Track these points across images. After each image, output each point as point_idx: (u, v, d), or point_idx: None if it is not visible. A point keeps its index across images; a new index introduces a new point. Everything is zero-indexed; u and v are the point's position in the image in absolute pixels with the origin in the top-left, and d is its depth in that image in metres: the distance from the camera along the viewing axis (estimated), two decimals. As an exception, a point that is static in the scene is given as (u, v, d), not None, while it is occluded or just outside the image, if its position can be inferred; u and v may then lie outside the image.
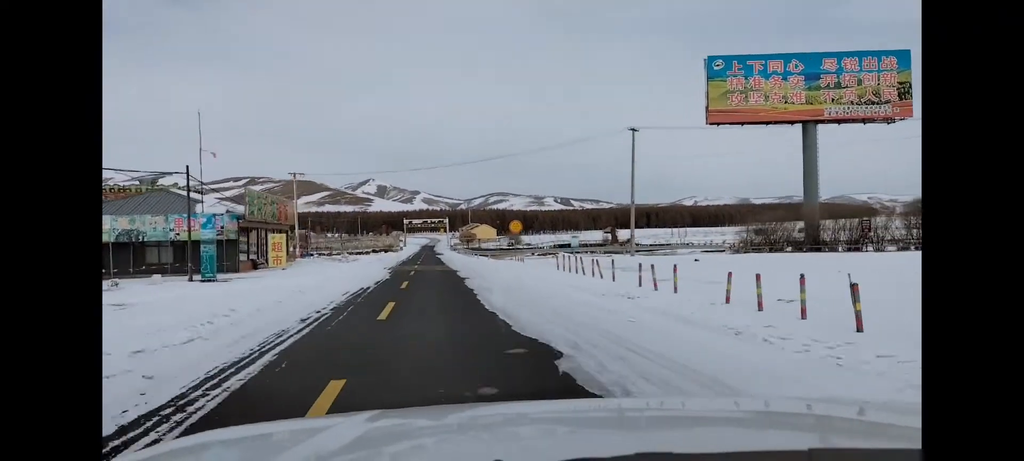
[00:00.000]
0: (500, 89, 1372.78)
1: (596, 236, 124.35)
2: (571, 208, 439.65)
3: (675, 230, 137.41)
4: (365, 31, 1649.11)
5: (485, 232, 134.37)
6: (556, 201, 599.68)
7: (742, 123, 45.50)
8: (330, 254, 63.76)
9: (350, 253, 64.56)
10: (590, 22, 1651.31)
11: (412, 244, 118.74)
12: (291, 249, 51.91)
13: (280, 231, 35.83)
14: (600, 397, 5.29)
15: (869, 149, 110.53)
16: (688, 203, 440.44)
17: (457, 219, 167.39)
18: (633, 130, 43.94)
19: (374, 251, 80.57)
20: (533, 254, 43.56)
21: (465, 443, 1.44)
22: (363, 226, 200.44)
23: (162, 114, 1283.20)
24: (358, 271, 29.80)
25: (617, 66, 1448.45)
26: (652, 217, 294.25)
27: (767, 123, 45.57)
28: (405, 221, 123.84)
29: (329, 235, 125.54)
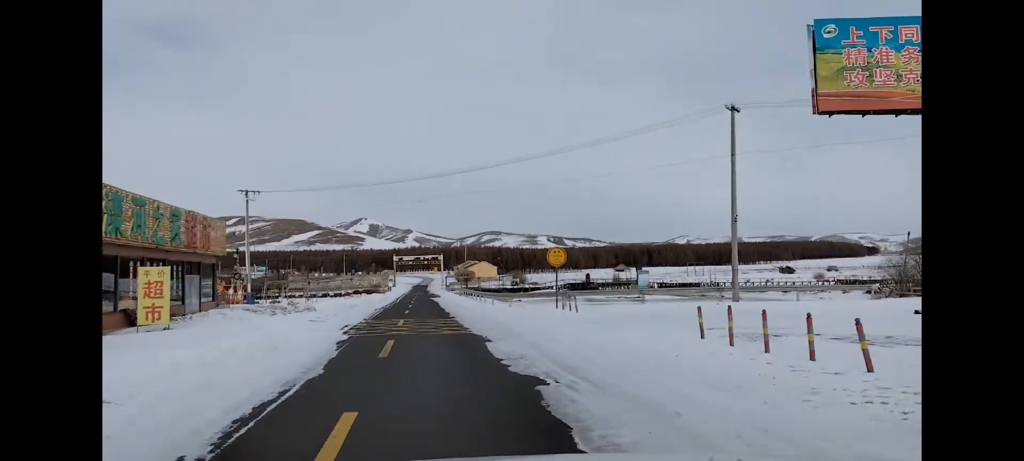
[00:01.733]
0: (494, 129, 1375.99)
1: (604, 275, 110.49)
2: (566, 246, 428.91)
3: (690, 268, 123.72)
4: (355, 68, 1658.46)
5: (484, 270, 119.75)
6: (549, 240, 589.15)
7: (864, 112, 31.93)
8: (290, 298, 49.43)
9: (314, 296, 50.34)
10: (586, 63, 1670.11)
11: (402, 284, 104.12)
12: (229, 291, 37.45)
13: (168, 263, 21.30)
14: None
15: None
16: (681, 242, 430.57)
17: (451, 257, 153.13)
18: (733, 109, 30.25)
19: (356, 292, 66.36)
20: (571, 298, 30.81)
21: None
22: (351, 265, 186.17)
23: (145, 152, 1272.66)
24: (292, 339, 15.53)
25: (610, 106, 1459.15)
26: (653, 255, 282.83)
27: (898, 112, 32.10)
28: (396, 257, 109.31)
29: (314, 275, 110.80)
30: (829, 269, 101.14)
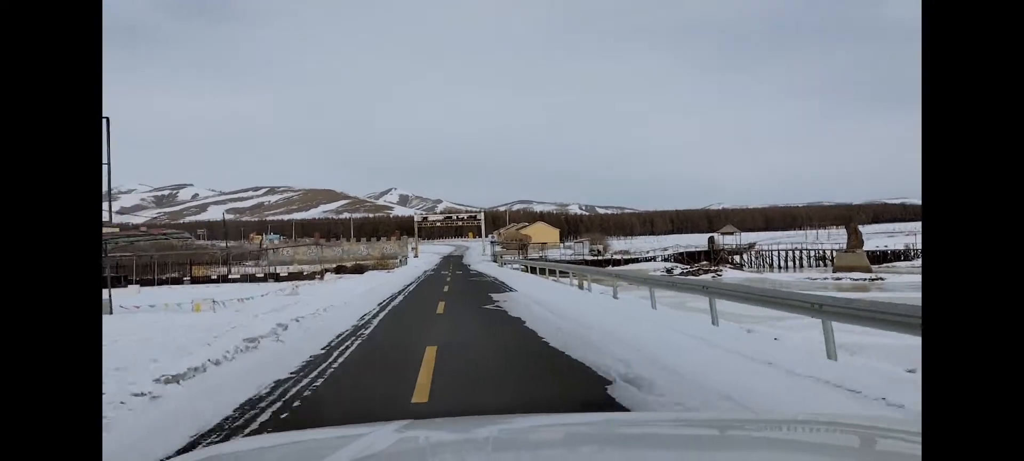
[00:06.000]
0: (526, 98, 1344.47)
1: (686, 241, 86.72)
2: (598, 214, 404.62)
3: (800, 233, 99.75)
4: (388, 41, 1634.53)
5: (542, 232, 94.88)
6: (581, 208, 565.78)
7: None
8: (263, 279, 27.45)
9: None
10: (617, 28, 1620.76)
11: (429, 254, 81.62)
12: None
13: None
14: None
15: None
16: (715, 208, 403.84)
17: (488, 221, 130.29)
18: None
19: (351, 269, 44.03)
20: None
21: (497, 458, 1.37)
22: (376, 233, 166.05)
23: (182, 123, 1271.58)
24: None
25: (639, 74, 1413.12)
26: (694, 221, 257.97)
27: None
28: (419, 221, 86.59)
29: (322, 242, 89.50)
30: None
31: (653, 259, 62.76)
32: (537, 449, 1.48)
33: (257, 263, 59.62)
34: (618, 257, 61.80)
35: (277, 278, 36.38)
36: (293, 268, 47.84)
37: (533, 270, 34.65)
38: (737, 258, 62.00)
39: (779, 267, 60.48)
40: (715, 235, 71.06)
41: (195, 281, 34.64)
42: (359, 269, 42.75)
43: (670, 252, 66.28)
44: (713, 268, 52.53)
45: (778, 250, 65.22)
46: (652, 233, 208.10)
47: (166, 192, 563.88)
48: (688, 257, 62.51)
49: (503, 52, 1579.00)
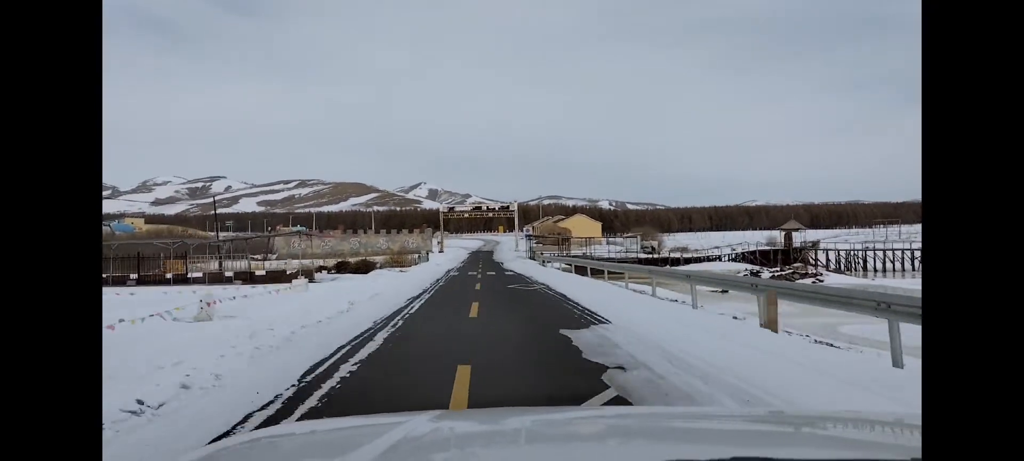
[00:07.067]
0: (552, 93, 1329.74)
1: (727, 239, 77.34)
2: (629, 210, 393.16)
3: (859, 231, 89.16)
4: (418, 36, 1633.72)
5: (582, 226, 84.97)
6: (610, 204, 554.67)
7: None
8: (229, 281, 19.48)
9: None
10: (644, 25, 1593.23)
11: (455, 249, 73.45)
12: None
13: None
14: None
15: None
16: (749, 204, 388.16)
17: (520, 214, 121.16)
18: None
19: (354, 268, 36.08)
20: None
21: (530, 451, 1.36)
22: (402, 226, 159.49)
23: (217, 117, 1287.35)
24: None
25: (667, 70, 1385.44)
26: (733, 219, 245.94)
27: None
28: (444, 213, 77.98)
29: (328, 235, 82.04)
30: None
31: (718, 258, 53.42)
32: (569, 442, 1.45)
33: (265, 257, 52.51)
34: (676, 256, 52.61)
35: (251, 278, 28.55)
36: (277, 265, 40.01)
37: (583, 271, 26.71)
38: (821, 257, 52.26)
39: (881, 271, 50.43)
40: (790, 231, 60.90)
41: (142, 282, 27.10)
42: (364, 267, 34.54)
43: (737, 250, 56.50)
44: (813, 272, 42.73)
45: (864, 250, 55.27)
46: (690, 229, 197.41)
47: (200, 184, 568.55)
48: (761, 256, 52.92)
49: (534, 47, 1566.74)
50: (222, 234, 51.30)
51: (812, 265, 49.59)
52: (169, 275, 27.98)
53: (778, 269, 43.45)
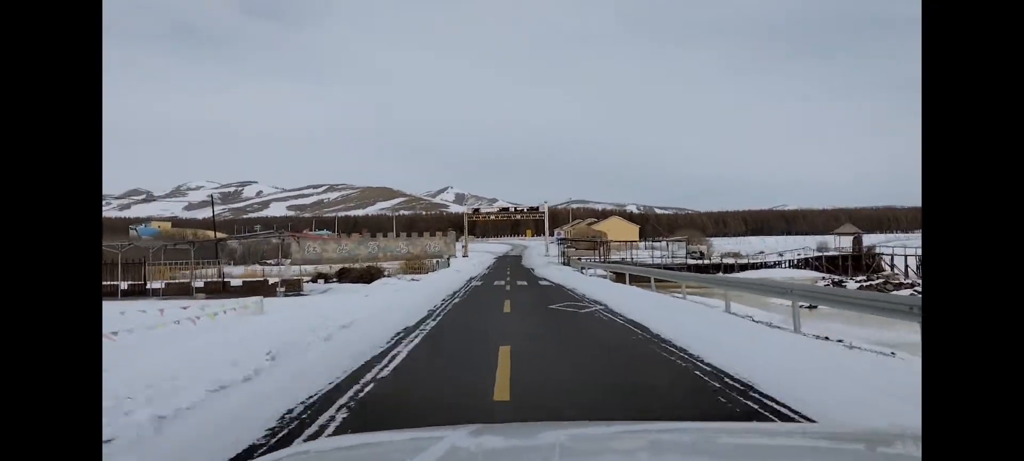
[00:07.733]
0: (576, 98, 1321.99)
1: (773, 244, 71.27)
2: (656, 214, 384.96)
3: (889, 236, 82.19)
4: (444, 41, 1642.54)
5: (619, 229, 79.87)
6: (638, 208, 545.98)
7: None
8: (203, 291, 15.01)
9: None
10: (671, 26, 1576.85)
11: (480, 253, 68.77)
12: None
13: None
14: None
15: None
16: (784, 208, 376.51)
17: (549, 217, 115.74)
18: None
19: (357, 276, 31.52)
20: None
21: None
22: (427, 229, 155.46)
23: (249, 123, 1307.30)
24: None
25: (693, 73, 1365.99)
26: (771, 223, 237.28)
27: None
28: (468, 216, 73.31)
29: (343, 239, 78.04)
30: None
31: (776, 265, 47.65)
32: (605, 455, 1.44)
33: (278, 261, 48.45)
34: (729, 261, 46.94)
35: (223, 289, 24.17)
36: (276, 272, 35.79)
37: (621, 278, 23.80)
38: (899, 265, 45.97)
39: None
40: (859, 235, 54.48)
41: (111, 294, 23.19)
42: (368, 276, 29.92)
43: (798, 256, 50.31)
44: (906, 281, 36.35)
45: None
46: (726, 234, 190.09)
47: (232, 189, 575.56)
48: (828, 262, 46.90)
49: (558, 51, 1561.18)
50: (220, 235, 47.26)
51: (886, 272, 43.50)
52: (124, 286, 23.64)
53: (863, 278, 37.63)
